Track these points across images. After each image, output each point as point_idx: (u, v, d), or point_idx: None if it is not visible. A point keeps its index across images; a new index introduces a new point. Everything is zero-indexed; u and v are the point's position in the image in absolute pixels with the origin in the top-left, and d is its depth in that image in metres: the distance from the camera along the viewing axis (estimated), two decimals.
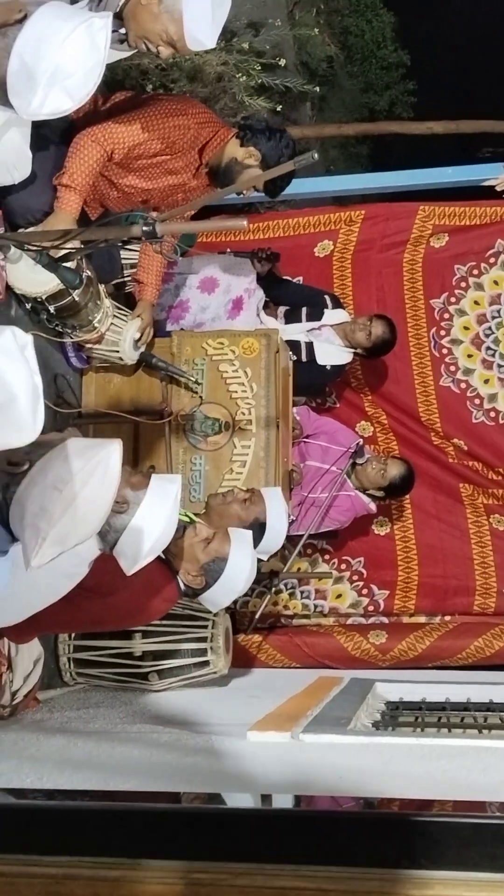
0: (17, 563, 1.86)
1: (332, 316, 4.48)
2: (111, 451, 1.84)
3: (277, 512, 3.48)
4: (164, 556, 2.95)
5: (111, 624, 3.12)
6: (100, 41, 2.03)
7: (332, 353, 4.43)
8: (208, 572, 2.97)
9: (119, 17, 3.02)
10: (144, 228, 2.36)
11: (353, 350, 4.45)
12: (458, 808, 2.07)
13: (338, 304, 4.55)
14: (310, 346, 4.39)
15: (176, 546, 2.93)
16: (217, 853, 1.82)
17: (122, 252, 3.75)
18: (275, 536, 3.47)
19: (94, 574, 2.51)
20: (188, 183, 3.49)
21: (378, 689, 3.74)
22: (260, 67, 4.67)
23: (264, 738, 2.71)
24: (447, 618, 4.59)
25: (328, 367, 4.44)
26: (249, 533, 3.15)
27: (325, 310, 4.47)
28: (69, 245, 2.53)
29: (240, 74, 4.56)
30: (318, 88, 5.35)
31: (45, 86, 1.97)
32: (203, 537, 2.98)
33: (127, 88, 4.09)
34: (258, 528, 3.37)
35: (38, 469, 1.71)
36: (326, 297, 4.53)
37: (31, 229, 3.27)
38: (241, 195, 3.53)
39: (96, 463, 1.81)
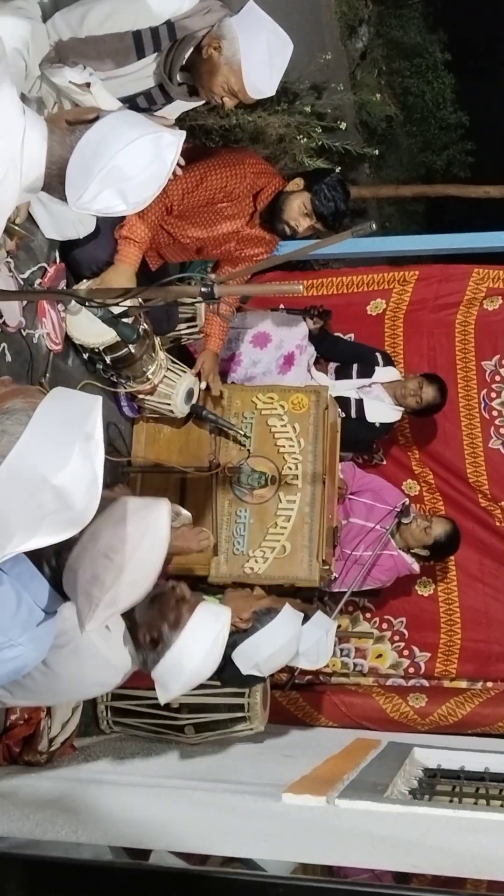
0: (61, 662, 1.91)
1: (383, 374, 4.50)
2: (159, 515, 1.87)
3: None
4: None
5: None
6: (167, 156, 2.03)
7: (381, 410, 4.45)
8: (258, 618, 3.09)
9: (186, 70, 3.14)
10: (203, 290, 2.41)
11: (402, 409, 4.47)
12: (493, 888, 2.02)
13: (389, 361, 4.57)
14: (359, 402, 4.41)
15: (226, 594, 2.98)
16: None
17: (179, 307, 3.84)
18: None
19: None
20: (242, 231, 3.57)
21: (416, 754, 3.68)
22: (320, 129, 4.77)
23: (299, 801, 2.68)
24: (489, 684, 4.50)
25: (377, 425, 4.45)
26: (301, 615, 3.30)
27: (377, 367, 4.50)
28: (129, 302, 2.60)
29: (300, 136, 4.66)
30: (376, 151, 5.43)
31: (98, 182, 1.97)
32: (258, 595, 3.20)
33: (188, 140, 4.22)
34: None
35: (88, 536, 1.75)
36: (378, 354, 4.56)
37: (93, 282, 3.37)
38: (293, 232, 3.56)
39: (145, 528, 1.83)
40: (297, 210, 3.50)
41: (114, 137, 1.99)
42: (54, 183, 2.01)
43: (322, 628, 3.51)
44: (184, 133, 2.12)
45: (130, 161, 1.99)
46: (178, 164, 3.20)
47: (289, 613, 3.18)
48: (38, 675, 1.97)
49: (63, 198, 2.02)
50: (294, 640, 3.19)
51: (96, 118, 2.03)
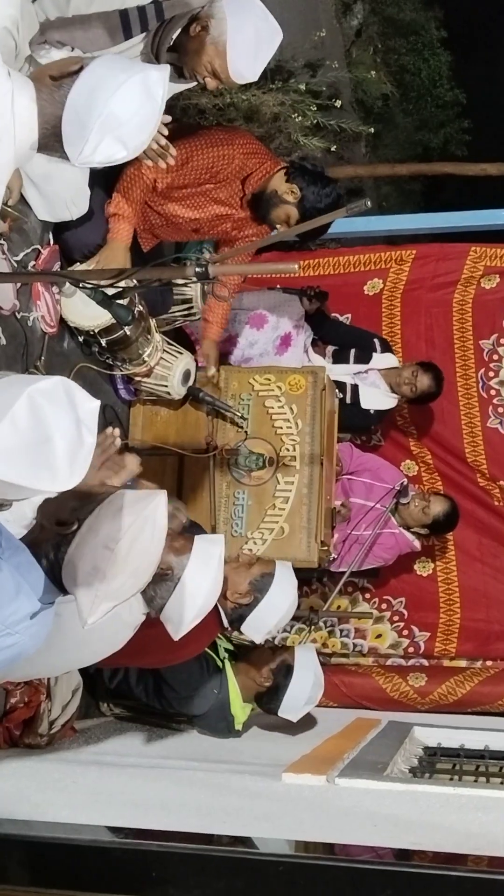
0: (67, 617, 1.90)
1: (381, 360, 4.46)
2: (157, 505, 1.87)
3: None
4: None
5: (153, 656, 3.12)
6: (156, 93, 2.02)
7: (376, 397, 4.41)
8: (256, 587, 3.10)
9: (173, 51, 3.10)
10: (197, 270, 2.40)
11: (397, 396, 4.44)
12: (493, 864, 2.03)
13: (387, 348, 4.53)
14: (355, 388, 4.37)
15: None
16: None
17: (174, 288, 3.81)
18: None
19: None
20: (235, 213, 3.54)
21: (416, 733, 3.69)
22: (316, 108, 4.72)
23: (299, 781, 2.69)
24: (489, 663, 4.51)
25: (372, 412, 4.42)
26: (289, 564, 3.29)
27: (374, 353, 4.45)
28: (123, 283, 2.58)
29: (295, 115, 4.62)
30: (372, 129, 5.39)
31: (96, 133, 1.97)
32: (247, 562, 3.17)
33: (181, 121, 4.17)
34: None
35: (87, 528, 1.75)
36: (376, 340, 4.52)
37: (87, 264, 3.35)
38: (275, 229, 3.54)
39: (144, 518, 1.84)
40: (282, 218, 3.48)
41: (103, 85, 1.97)
42: (50, 142, 2.00)
43: (310, 668, 3.41)
44: (168, 67, 2.11)
45: (123, 105, 1.98)
46: (169, 153, 3.18)
47: (284, 572, 3.18)
48: None
49: (61, 155, 2.01)
50: (295, 593, 3.19)
51: (80, 68, 2.02)
